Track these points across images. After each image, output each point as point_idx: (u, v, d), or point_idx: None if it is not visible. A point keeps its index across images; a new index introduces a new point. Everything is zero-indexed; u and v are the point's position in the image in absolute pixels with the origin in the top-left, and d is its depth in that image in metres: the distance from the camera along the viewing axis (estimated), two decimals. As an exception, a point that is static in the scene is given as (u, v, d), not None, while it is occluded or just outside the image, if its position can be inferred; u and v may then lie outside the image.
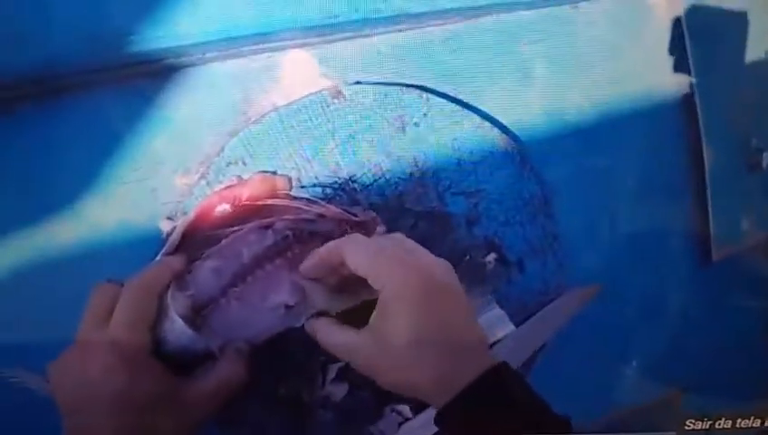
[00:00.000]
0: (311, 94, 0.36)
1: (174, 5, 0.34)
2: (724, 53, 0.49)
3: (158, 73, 0.35)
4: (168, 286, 0.34)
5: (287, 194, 0.37)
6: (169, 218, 0.37)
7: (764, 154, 0.52)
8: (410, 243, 0.33)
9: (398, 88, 0.38)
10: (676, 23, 0.47)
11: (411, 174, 0.39)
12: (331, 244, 0.32)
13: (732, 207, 0.51)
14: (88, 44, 0.34)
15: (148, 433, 0.30)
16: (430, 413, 0.42)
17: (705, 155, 0.49)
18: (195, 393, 0.32)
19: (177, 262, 0.35)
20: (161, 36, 0.35)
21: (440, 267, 0.32)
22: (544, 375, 0.46)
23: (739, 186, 0.52)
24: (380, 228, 0.38)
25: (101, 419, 0.29)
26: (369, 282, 0.30)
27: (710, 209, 0.50)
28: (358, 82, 0.38)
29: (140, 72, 0.35)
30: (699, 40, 0.47)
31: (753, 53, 0.51)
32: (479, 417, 0.28)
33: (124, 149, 0.36)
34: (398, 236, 0.34)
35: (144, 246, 0.36)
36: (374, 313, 0.31)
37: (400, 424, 0.41)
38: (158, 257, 0.35)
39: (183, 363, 0.34)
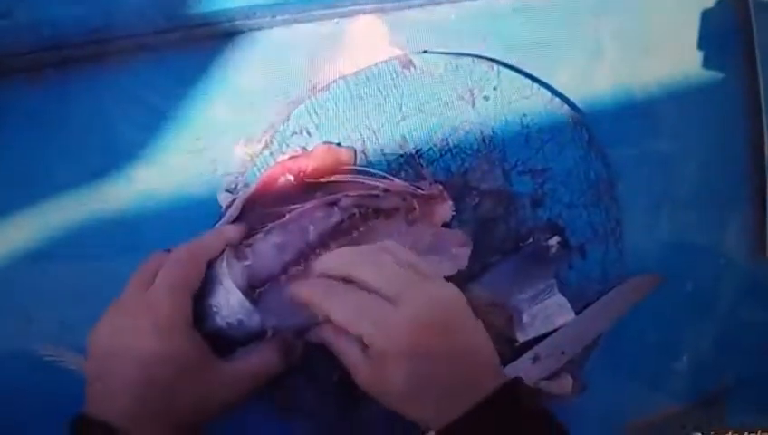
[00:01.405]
0: (380, 63, 0.35)
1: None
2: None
3: (222, 36, 0.33)
4: (220, 256, 0.32)
5: (352, 168, 0.35)
6: (229, 191, 0.36)
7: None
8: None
9: (470, 59, 0.36)
10: (743, 5, 0.46)
11: (478, 150, 0.37)
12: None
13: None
14: (151, 3, 0.32)
15: (167, 408, 0.28)
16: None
17: (765, 146, 0.47)
18: (223, 375, 0.31)
19: (233, 231, 0.33)
20: (227, -3, 0.33)
21: (439, 303, 0.29)
22: (601, 367, 0.44)
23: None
24: (447, 203, 0.36)
25: (124, 383, 0.28)
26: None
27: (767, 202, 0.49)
28: (425, 52, 0.36)
29: (204, 34, 0.33)
30: (764, 23, 0.46)
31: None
32: None
33: (183, 115, 0.34)
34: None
35: (201, 219, 0.34)
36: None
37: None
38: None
39: (231, 339, 0.32)
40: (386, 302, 0.28)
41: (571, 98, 0.40)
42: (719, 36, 0.46)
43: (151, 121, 0.34)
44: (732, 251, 0.50)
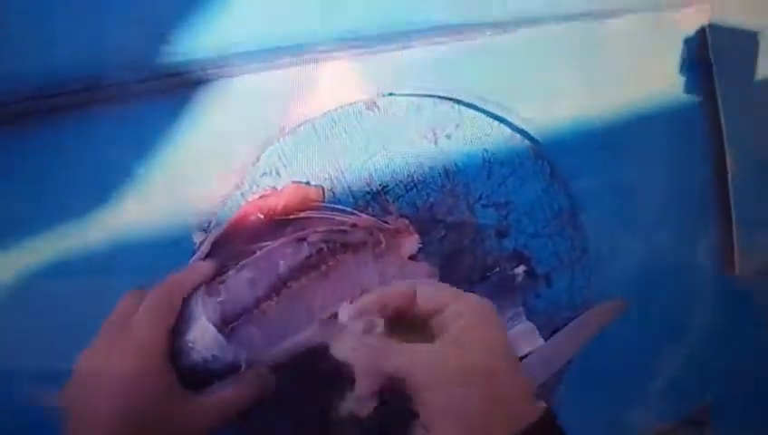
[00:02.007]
0: (345, 106, 0.37)
1: (212, 17, 0.35)
2: (747, 65, 0.50)
3: (196, 84, 0.35)
4: (196, 291, 0.34)
5: (320, 204, 0.37)
6: (202, 230, 0.37)
7: (788, 168, 0.53)
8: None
9: (432, 100, 0.38)
10: (701, 37, 0.48)
11: (442, 185, 0.39)
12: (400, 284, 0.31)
13: (756, 221, 0.51)
14: (129, 55, 0.34)
15: None
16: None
17: (728, 168, 0.49)
18: (194, 408, 0.32)
19: (206, 267, 0.34)
20: (199, 48, 0.35)
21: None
22: (572, 393, 0.45)
23: (764, 199, 0.52)
24: (413, 236, 0.38)
25: (98, 416, 0.29)
26: (441, 315, 0.29)
27: (734, 223, 0.50)
28: (391, 94, 0.38)
29: (179, 82, 0.35)
30: (723, 53, 0.48)
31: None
32: None
33: (160, 159, 0.36)
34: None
35: (177, 256, 0.36)
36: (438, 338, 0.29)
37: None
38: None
39: (207, 374, 0.34)
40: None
41: (533, 132, 0.41)
42: (680, 65, 0.48)
43: (130, 165, 0.35)
44: (701, 272, 0.52)
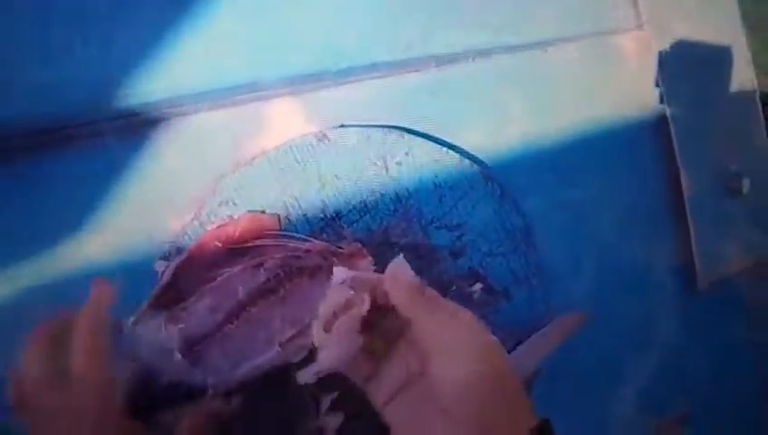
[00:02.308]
0: (298, 138, 0.39)
1: (166, 61, 0.37)
2: (696, 81, 0.51)
3: (152, 123, 0.38)
4: (159, 325, 0.36)
5: (276, 232, 0.39)
6: (163, 259, 0.39)
7: (744, 180, 0.54)
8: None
9: (381, 130, 0.40)
10: (647, 59, 0.50)
11: (395, 209, 0.41)
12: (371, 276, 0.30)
13: (714, 234, 0.53)
14: (88, 98, 0.36)
15: None
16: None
17: (683, 182, 0.50)
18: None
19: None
20: (155, 89, 0.37)
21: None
22: (546, 402, 0.46)
23: (720, 212, 0.53)
24: (367, 259, 0.39)
25: None
26: (412, 327, 0.28)
27: (692, 236, 0.51)
28: (342, 126, 0.40)
29: (136, 121, 0.37)
30: (671, 73, 0.50)
31: (724, 82, 0.54)
32: None
33: (122, 194, 0.38)
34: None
35: (140, 284, 0.38)
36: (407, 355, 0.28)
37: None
38: (149, 297, 0.37)
39: (176, 398, 0.35)
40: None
41: (482, 157, 0.43)
42: (627, 87, 0.50)
43: (94, 202, 0.37)
44: (663, 283, 0.53)
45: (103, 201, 0.37)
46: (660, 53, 0.50)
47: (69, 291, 0.37)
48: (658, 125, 0.50)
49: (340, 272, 0.30)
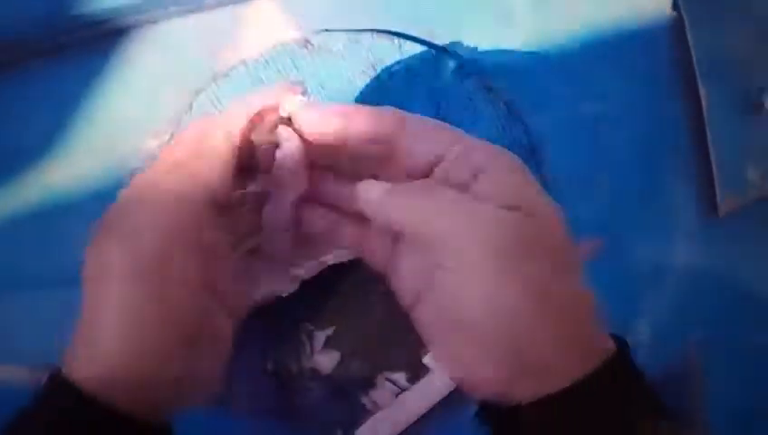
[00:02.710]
0: (278, 46, 0.35)
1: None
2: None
3: (119, 33, 0.34)
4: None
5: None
6: (139, 184, 0.36)
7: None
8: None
9: (370, 34, 0.37)
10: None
11: (389, 125, 0.37)
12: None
13: (736, 155, 0.49)
14: (46, 7, 0.33)
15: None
16: (428, 381, 0.40)
17: (702, 97, 0.46)
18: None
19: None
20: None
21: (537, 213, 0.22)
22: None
23: (743, 131, 0.49)
24: None
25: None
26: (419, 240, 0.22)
27: (712, 158, 0.48)
28: (326, 30, 0.36)
29: (100, 32, 0.34)
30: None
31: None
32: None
33: (89, 115, 0.35)
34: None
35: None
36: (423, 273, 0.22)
37: (396, 395, 0.39)
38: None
39: None
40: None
41: (485, 65, 0.39)
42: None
43: (59, 123, 0.35)
44: (681, 212, 0.49)
45: (69, 122, 0.34)
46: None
47: (35, 224, 0.35)
48: (677, 34, 0.46)
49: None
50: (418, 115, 0.24)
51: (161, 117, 0.35)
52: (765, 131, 0.51)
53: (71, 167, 0.35)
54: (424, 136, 0.24)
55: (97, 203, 0.35)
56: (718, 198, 0.49)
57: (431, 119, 0.25)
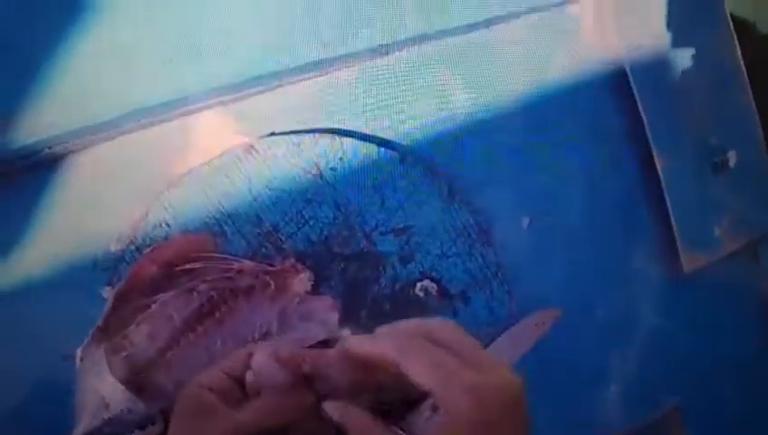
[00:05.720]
0: (223, 154, 0.37)
1: (82, 87, 0.36)
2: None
3: (76, 152, 0.37)
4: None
5: (210, 253, 0.38)
6: (109, 285, 0.39)
7: (729, 152, 0.50)
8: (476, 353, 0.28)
9: (311, 135, 0.38)
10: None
11: (335, 218, 0.39)
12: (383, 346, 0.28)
13: (698, 213, 0.49)
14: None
15: None
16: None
17: (656, 160, 0.47)
18: None
19: None
20: (70, 118, 0.36)
21: (510, 388, 0.27)
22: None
23: (703, 189, 0.49)
24: (304, 274, 0.38)
25: None
26: (434, 399, 0.26)
27: (672, 218, 0.48)
28: (272, 134, 0.38)
29: (57, 153, 0.36)
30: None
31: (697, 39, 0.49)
32: None
33: (60, 226, 0.37)
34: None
35: (91, 311, 0.37)
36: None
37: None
38: (94, 327, 0.37)
39: (125, 426, 0.35)
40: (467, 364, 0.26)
41: (426, 154, 0.41)
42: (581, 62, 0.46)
43: (32, 234, 0.37)
44: (643, 273, 0.49)
45: (43, 234, 0.37)
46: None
47: (19, 328, 0.37)
48: (624, 96, 0.46)
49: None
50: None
51: (122, 224, 0.38)
52: (730, 189, 0.50)
53: (50, 276, 0.37)
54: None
55: (75, 304, 0.38)
56: (682, 259, 0.49)
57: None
